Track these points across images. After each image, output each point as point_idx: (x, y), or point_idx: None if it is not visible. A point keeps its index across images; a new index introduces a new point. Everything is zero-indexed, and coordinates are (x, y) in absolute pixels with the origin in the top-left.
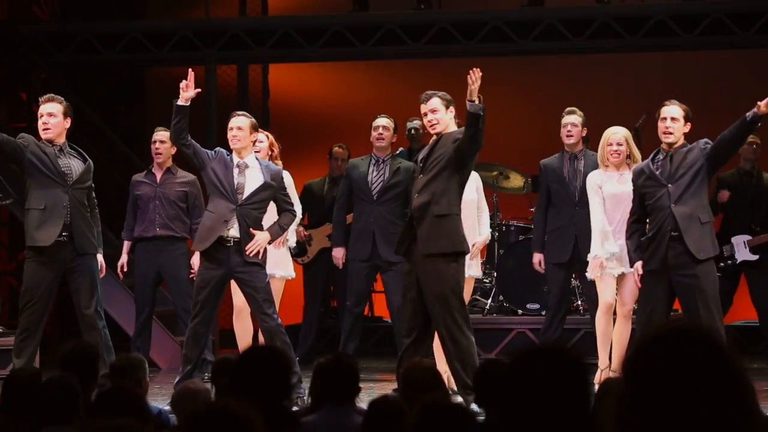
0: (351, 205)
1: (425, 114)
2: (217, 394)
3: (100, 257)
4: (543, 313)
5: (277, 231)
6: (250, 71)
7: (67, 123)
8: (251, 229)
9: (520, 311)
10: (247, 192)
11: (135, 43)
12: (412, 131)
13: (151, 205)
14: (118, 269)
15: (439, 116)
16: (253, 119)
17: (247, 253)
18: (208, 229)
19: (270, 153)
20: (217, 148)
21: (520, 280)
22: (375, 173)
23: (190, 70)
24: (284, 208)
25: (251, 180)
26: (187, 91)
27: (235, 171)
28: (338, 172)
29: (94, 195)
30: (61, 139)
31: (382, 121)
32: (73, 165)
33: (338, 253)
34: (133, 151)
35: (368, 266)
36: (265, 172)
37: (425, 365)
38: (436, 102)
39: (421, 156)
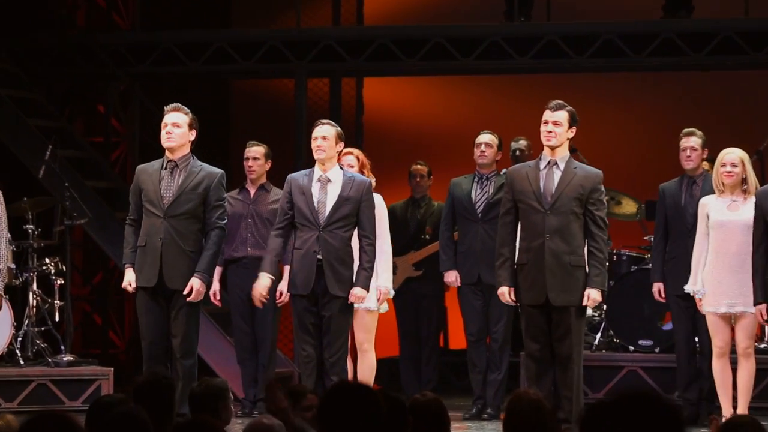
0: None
1: (546, 122)
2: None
3: (195, 281)
4: (657, 350)
5: (365, 278)
6: (343, 85)
7: (192, 135)
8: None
9: (631, 348)
10: (327, 210)
11: (220, 54)
12: (517, 152)
13: (243, 224)
14: (212, 297)
15: (560, 131)
16: (339, 128)
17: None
18: (300, 273)
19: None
20: (288, 178)
21: (631, 313)
22: (479, 190)
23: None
24: (361, 239)
25: (332, 196)
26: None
27: (316, 186)
28: (420, 192)
29: (216, 215)
30: (182, 152)
31: (484, 137)
32: (177, 184)
33: (450, 277)
34: (214, 164)
35: (479, 289)
36: (346, 186)
37: (531, 397)
38: (563, 115)
39: (542, 186)
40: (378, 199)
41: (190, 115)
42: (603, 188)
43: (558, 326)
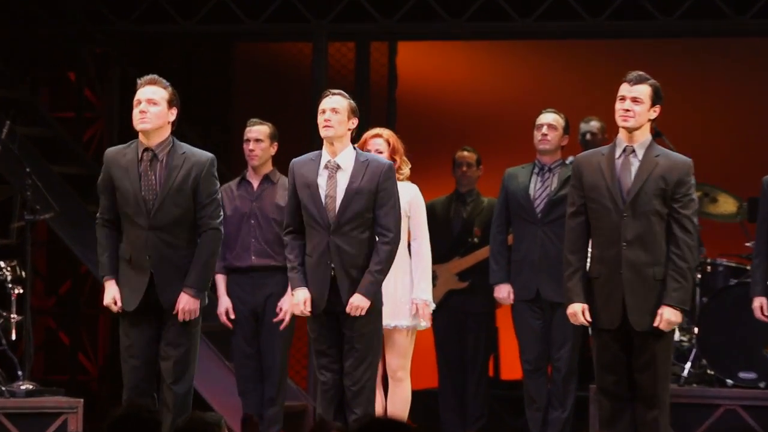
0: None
1: (623, 98)
2: None
3: (183, 298)
4: (761, 385)
5: (370, 284)
6: (372, 51)
7: (172, 114)
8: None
9: (729, 381)
10: (337, 205)
11: (221, 11)
12: (588, 136)
13: (245, 226)
14: (223, 316)
15: (640, 110)
16: (353, 101)
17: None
18: (313, 285)
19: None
20: (291, 165)
21: (730, 339)
22: (539, 184)
23: None
24: (378, 236)
25: (343, 186)
26: None
27: (323, 175)
28: (466, 185)
29: (209, 213)
30: (160, 136)
31: (547, 117)
32: (159, 182)
33: (501, 292)
34: (217, 150)
35: (538, 306)
36: (358, 173)
37: None
38: (644, 90)
39: (618, 179)
40: (413, 189)
41: (170, 89)
42: (693, 181)
43: (639, 354)
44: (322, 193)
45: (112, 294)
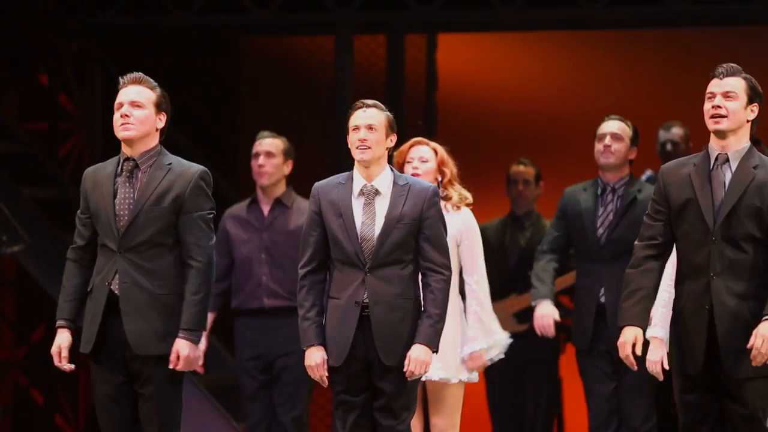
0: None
1: (711, 96)
2: None
3: (182, 345)
4: None
5: (434, 333)
6: (407, 45)
7: (161, 120)
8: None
9: None
10: (377, 239)
11: None
12: (668, 146)
13: (255, 261)
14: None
15: (735, 108)
16: (390, 114)
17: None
18: (337, 333)
19: (439, 178)
20: (314, 189)
21: None
22: (600, 210)
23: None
24: (428, 273)
25: (382, 214)
26: None
27: (358, 202)
28: (524, 207)
29: (195, 239)
30: (146, 145)
31: (610, 125)
32: (134, 197)
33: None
34: (220, 164)
35: (605, 361)
36: (400, 199)
37: None
38: (738, 84)
39: (712, 195)
40: (466, 215)
41: (158, 90)
42: None
43: (736, 407)
44: (358, 222)
45: (57, 342)
